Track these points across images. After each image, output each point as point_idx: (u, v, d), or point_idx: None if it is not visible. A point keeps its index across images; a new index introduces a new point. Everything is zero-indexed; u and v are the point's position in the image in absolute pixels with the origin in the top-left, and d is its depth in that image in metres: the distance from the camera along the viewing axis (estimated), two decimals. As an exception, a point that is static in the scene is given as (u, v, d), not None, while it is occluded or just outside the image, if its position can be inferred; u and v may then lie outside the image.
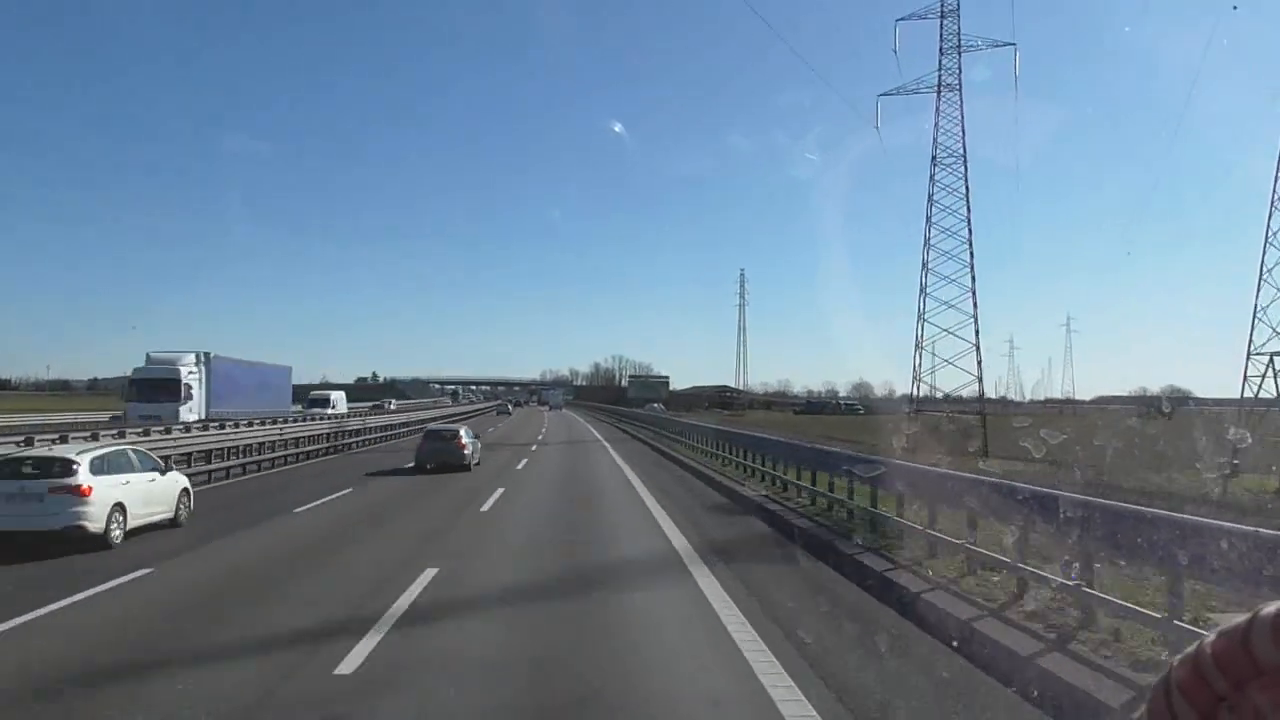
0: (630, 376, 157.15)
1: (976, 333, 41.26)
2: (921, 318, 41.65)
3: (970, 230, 41.87)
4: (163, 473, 13.10)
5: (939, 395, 42.85)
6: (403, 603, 8.22)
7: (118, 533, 11.37)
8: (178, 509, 13.20)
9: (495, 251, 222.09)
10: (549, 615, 8.24)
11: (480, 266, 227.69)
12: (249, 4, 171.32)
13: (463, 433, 23.92)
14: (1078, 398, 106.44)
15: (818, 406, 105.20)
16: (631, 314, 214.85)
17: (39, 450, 12.73)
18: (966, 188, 42.13)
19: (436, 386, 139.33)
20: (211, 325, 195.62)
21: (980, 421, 38.90)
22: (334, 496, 17.41)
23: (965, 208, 41.76)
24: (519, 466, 25.50)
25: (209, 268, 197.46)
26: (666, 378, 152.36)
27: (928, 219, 42.26)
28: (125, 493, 11.62)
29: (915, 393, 42.73)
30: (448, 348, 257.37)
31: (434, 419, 49.00)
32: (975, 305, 41.50)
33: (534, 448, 34.26)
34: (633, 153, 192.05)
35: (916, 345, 41.85)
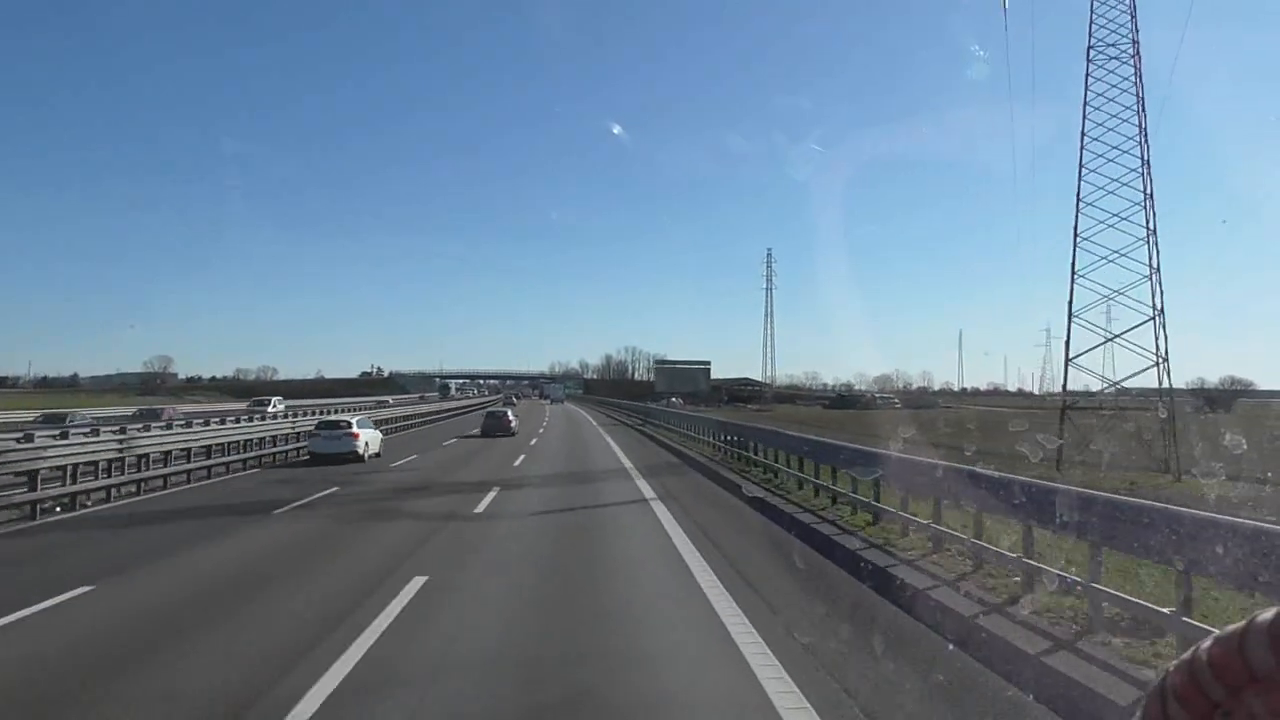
0: (657, 363, 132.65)
1: (1158, 293, 30.50)
2: (1075, 274, 31.53)
3: (1145, 155, 30.88)
4: (375, 429, 25.32)
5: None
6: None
7: (366, 455, 23.30)
8: (380, 448, 25.30)
9: (501, 246, 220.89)
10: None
11: (487, 261, 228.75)
12: (253, 8, 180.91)
13: (510, 414, 38.36)
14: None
15: (850, 400, 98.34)
16: (643, 305, 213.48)
17: (336, 416, 25.09)
18: (1140, 95, 31.33)
19: (439, 380, 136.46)
20: (210, 323, 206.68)
21: (1166, 423, 28.58)
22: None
23: (1138, 115, 31.32)
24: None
25: (211, 265, 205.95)
26: (707, 364, 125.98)
27: (1082, 141, 32.28)
28: (368, 437, 23.72)
29: (1065, 384, 33.12)
30: (454, 342, 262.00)
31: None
32: (1155, 254, 30.64)
33: (488, 498, 17.24)
34: (636, 148, 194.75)
35: (1069, 315, 31.65)
